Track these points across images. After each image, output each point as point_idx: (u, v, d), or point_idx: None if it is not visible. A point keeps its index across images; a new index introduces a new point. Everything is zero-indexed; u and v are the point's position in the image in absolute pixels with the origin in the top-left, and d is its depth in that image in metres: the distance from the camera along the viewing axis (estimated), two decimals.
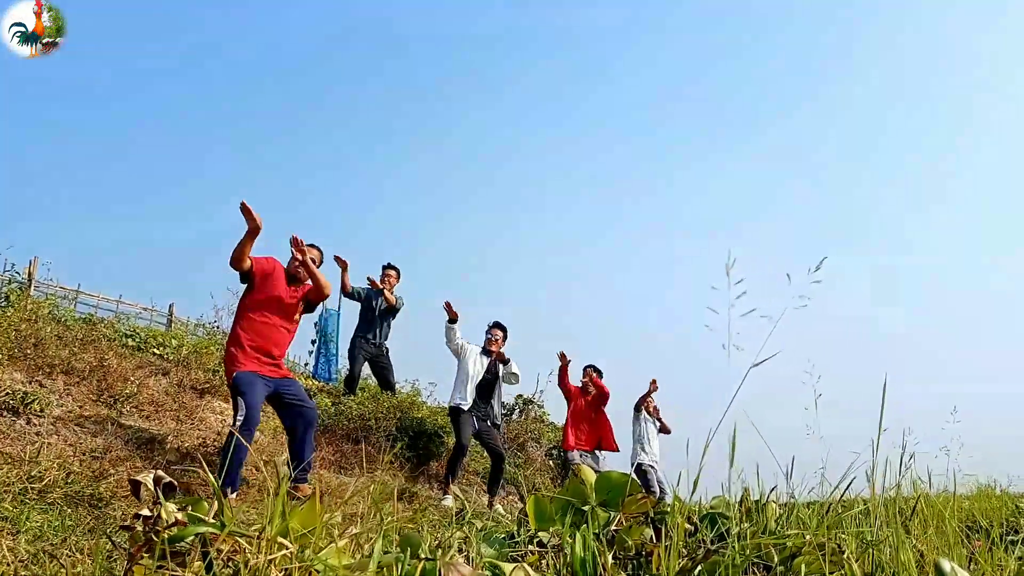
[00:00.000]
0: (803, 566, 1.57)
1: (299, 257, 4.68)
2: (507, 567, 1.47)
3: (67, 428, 4.63)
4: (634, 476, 7.87)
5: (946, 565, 1.40)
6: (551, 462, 8.83)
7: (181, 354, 7.13)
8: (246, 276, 4.62)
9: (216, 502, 1.28)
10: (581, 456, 7.62)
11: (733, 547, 1.66)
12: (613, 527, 1.99)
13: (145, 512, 1.32)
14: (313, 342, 9.33)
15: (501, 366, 6.91)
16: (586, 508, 2.09)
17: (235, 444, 4.13)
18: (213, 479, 1.31)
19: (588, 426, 7.80)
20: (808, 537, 1.75)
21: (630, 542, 1.79)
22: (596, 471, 2.33)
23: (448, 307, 6.76)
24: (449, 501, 5.91)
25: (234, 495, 4.18)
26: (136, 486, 1.49)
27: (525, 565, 1.48)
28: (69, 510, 3.47)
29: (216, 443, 5.39)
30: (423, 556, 1.35)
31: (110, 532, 2.35)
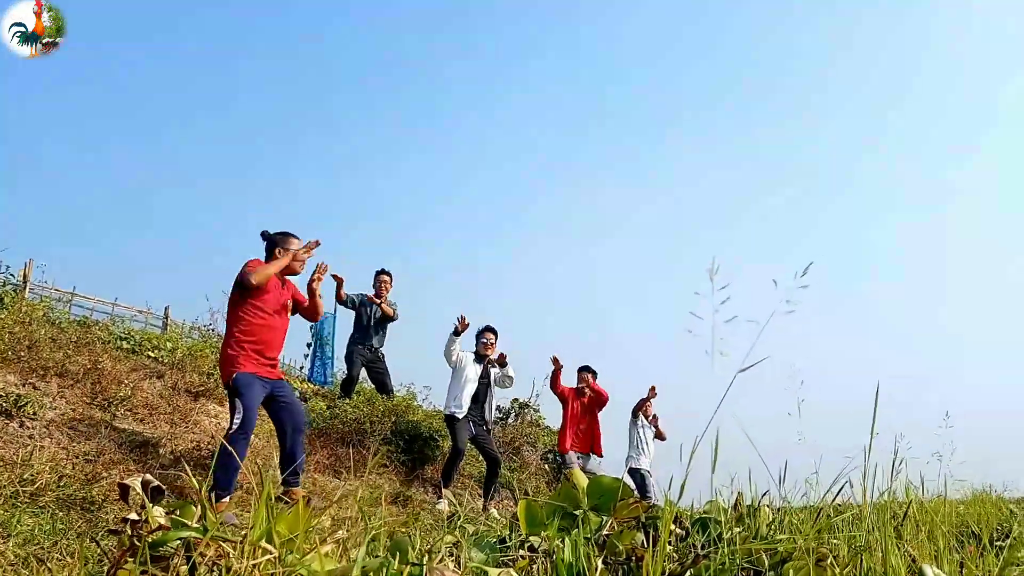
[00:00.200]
0: (792, 571, 1.57)
1: (318, 283, 4.99)
2: (494, 572, 1.47)
3: (60, 431, 4.62)
4: (629, 481, 7.82)
5: (929, 572, 1.40)
6: (546, 466, 8.82)
7: (176, 357, 7.11)
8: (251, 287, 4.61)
9: (193, 507, 1.27)
10: (578, 458, 7.63)
11: (723, 552, 1.66)
12: (605, 532, 1.99)
13: (132, 516, 1.31)
14: (309, 345, 9.34)
15: (494, 370, 6.90)
16: (578, 512, 2.09)
17: (231, 447, 4.12)
18: (196, 483, 1.31)
19: (584, 428, 7.81)
20: (799, 542, 1.75)
21: (621, 547, 1.79)
22: (592, 474, 2.33)
23: (463, 321, 6.77)
24: (443, 505, 5.90)
25: (227, 498, 4.16)
26: (124, 490, 1.48)
27: (512, 571, 1.47)
28: (61, 513, 3.45)
29: (210, 446, 5.37)
30: (410, 561, 1.34)
31: (98, 536, 2.34)
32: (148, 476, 1.41)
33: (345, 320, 8.17)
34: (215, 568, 1.15)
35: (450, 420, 6.51)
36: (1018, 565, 1.75)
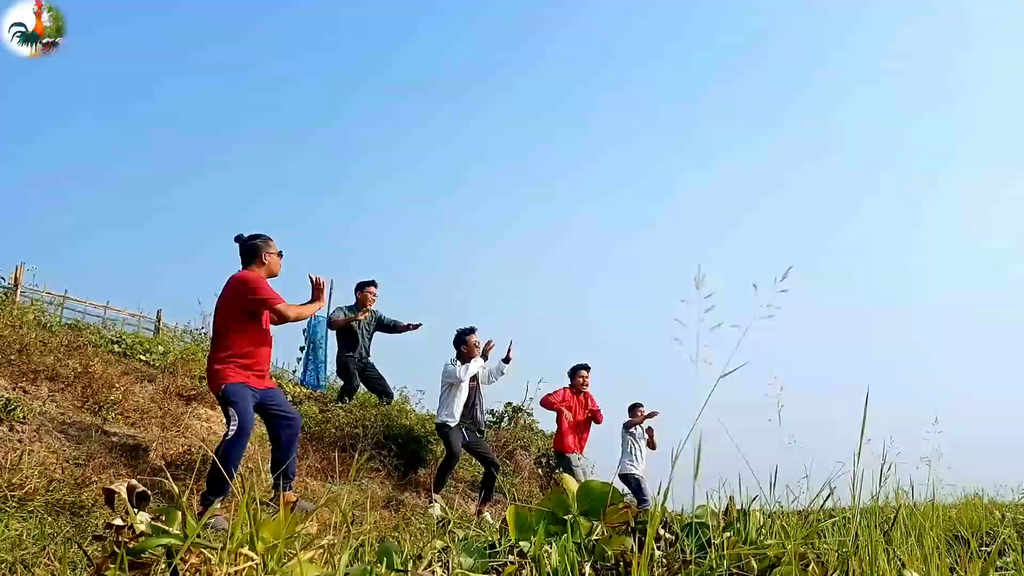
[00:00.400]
0: None
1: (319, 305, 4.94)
2: None
3: (50, 435, 4.59)
4: (625, 486, 7.81)
5: None
6: (540, 470, 8.81)
7: (167, 361, 7.09)
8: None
9: (179, 512, 1.26)
10: (578, 459, 7.67)
11: (712, 557, 1.66)
12: (595, 537, 1.98)
13: (117, 522, 1.30)
14: (302, 348, 9.29)
15: (483, 370, 6.87)
16: (568, 517, 2.09)
17: (227, 454, 4.10)
18: (177, 488, 1.30)
19: (582, 429, 7.88)
20: (789, 547, 1.75)
21: (610, 552, 1.79)
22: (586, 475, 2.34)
23: (489, 345, 6.86)
24: (436, 509, 5.88)
25: (219, 504, 4.14)
26: (110, 495, 1.47)
27: None
28: (50, 518, 3.43)
29: (202, 450, 5.35)
30: (395, 567, 1.34)
31: (82, 542, 2.32)
32: (133, 481, 1.41)
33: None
34: (197, 574, 1.15)
35: (442, 428, 6.48)
36: (1005, 570, 1.76)
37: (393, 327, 7.89)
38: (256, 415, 4.49)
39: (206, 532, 1.28)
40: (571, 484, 2.26)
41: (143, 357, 7.07)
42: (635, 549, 1.86)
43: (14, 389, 5.02)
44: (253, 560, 1.15)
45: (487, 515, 6.21)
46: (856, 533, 1.79)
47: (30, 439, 4.41)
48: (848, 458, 1.97)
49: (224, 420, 4.40)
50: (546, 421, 9.66)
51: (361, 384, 7.95)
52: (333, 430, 6.77)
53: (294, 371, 9.67)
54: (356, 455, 6.49)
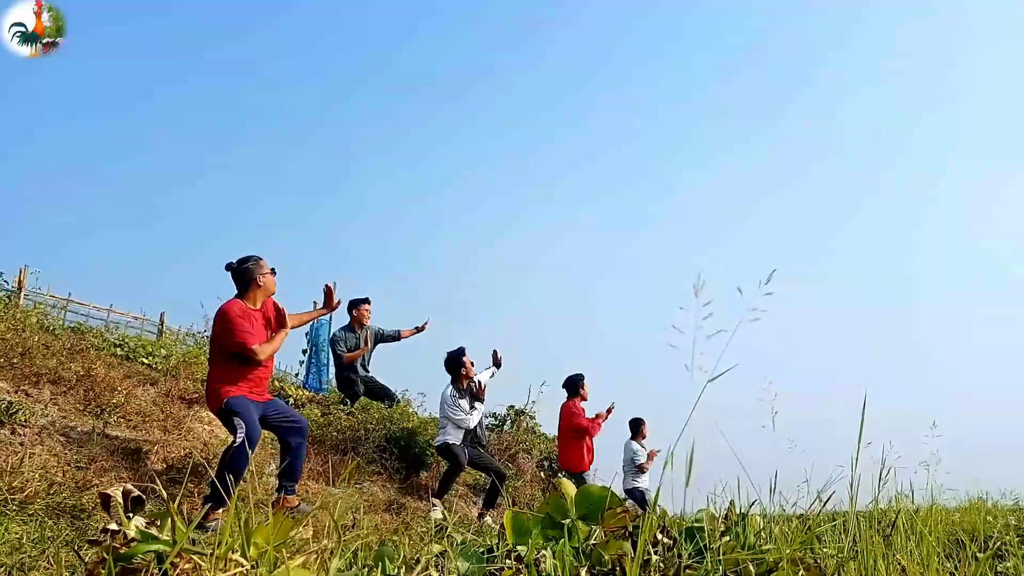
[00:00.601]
0: None
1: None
2: None
3: (52, 438, 4.60)
4: (631, 499, 7.75)
5: None
6: (542, 474, 8.80)
7: (170, 364, 7.10)
8: None
9: (168, 518, 1.26)
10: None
11: (708, 561, 1.66)
12: (592, 541, 1.98)
13: (112, 526, 1.31)
14: (304, 351, 9.30)
15: (476, 379, 6.81)
16: (566, 522, 2.08)
17: (233, 461, 4.09)
18: (166, 494, 1.30)
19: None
20: (785, 552, 1.75)
21: (607, 556, 1.78)
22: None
23: (496, 357, 6.88)
24: (438, 513, 5.87)
25: (220, 511, 4.13)
26: (106, 499, 1.47)
27: None
28: (50, 522, 3.43)
29: (203, 453, 5.36)
30: (389, 572, 1.34)
31: (78, 546, 2.33)
32: (129, 486, 1.41)
33: (339, 325, 8.14)
34: None
35: (444, 448, 6.41)
36: (1005, 575, 1.75)
37: (395, 337, 7.88)
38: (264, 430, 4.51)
39: (206, 536, 1.29)
40: (570, 489, 2.26)
41: (145, 360, 7.09)
42: (632, 553, 1.86)
43: (16, 392, 5.03)
44: (243, 566, 1.14)
45: (489, 519, 6.20)
46: (854, 538, 1.78)
47: (32, 442, 4.42)
48: (848, 461, 1.97)
49: (228, 431, 4.39)
50: (548, 425, 9.66)
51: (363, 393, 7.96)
52: (335, 433, 6.77)
53: (296, 374, 9.67)
54: (365, 460, 6.49)
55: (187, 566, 1.16)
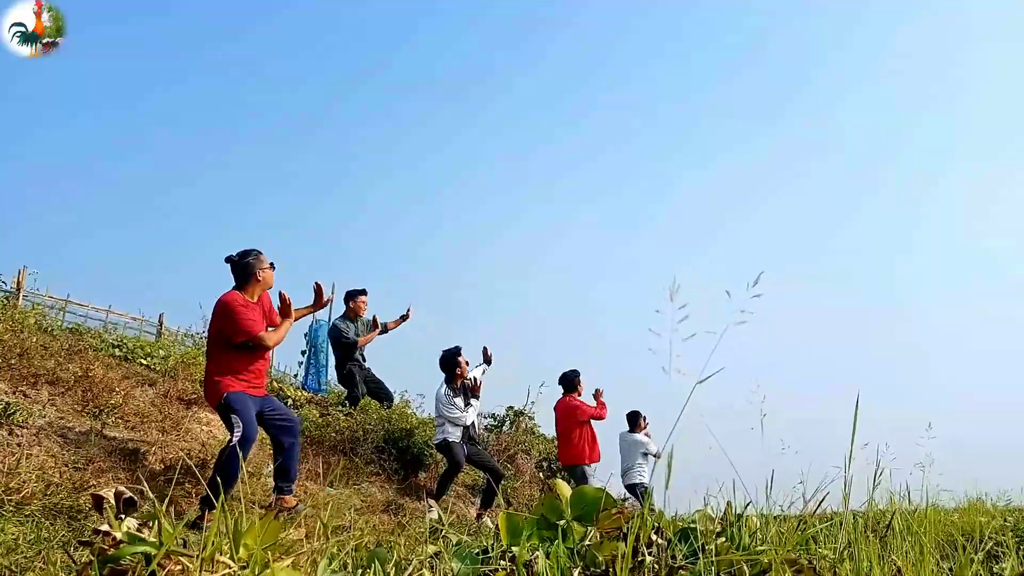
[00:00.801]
0: None
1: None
2: None
3: (50, 439, 4.60)
4: (633, 496, 7.71)
5: None
6: (540, 474, 8.80)
7: (168, 365, 7.10)
8: None
9: (155, 520, 1.26)
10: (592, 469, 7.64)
11: (702, 562, 1.65)
12: (587, 542, 1.98)
13: (104, 528, 1.30)
14: (303, 352, 9.31)
15: (471, 376, 6.81)
16: (561, 523, 2.08)
17: (229, 460, 4.10)
18: (153, 495, 1.30)
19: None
20: (779, 553, 1.75)
21: (600, 557, 1.78)
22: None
23: (486, 354, 6.83)
24: (435, 513, 5.87)
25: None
26: (98, 501, 1.47)
27: None
28: (47, 523, 3.44)
29: (201, 454, 5.36)
30: (382, 573, 1.34)
31: (69, 548, 2.33)
32: (121, 487, 1.41)
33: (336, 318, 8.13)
34: None
35: (444, 445, 6.43)
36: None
37: (384, 330, 7.90)
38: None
39: (199, 537, 1.28)
40: (565, 490, 2.25)
41: (144, 361, 7.08)
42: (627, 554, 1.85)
43: (14, 393, 5.03)
44: (230, 567, 1.14)
45: (487, 520, 6.20)
46: (848, 540, 1.78)
47: (29, 443, 4.42)
48: (844, 462, 1.97)
49: (226, 428, 4.40)
50: (547, 425, 9.66)
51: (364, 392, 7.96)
52: (333, 434, 6.76)
53: (295, 375, 9.67)
54: (363, 461, 6.49)
55: (175, 568, 1.16)
